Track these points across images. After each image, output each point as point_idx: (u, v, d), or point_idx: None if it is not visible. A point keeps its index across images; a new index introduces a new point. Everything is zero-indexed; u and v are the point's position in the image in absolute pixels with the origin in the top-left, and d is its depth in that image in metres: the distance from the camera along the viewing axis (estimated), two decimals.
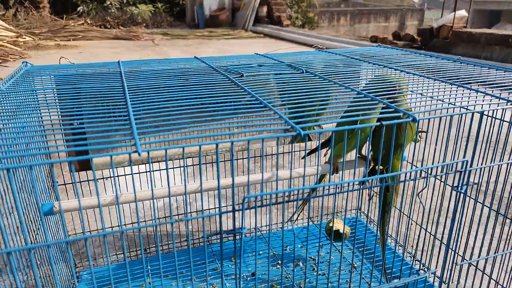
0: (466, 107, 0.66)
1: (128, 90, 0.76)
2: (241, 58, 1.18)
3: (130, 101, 0.69)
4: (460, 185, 0.68)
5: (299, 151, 1.63)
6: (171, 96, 0.72)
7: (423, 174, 0.73)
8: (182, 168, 2.05)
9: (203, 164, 1.13)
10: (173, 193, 0.95)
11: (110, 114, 0.65)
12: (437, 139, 0.92)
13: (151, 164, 0.60)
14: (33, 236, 0.94)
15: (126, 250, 1.42)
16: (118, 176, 1.29)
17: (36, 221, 1.00)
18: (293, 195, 0.61)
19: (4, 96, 0.74)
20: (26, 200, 0.87)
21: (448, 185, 0.88)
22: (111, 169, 1.22)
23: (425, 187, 0.68)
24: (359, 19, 11.67)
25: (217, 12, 9.28)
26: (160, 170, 1.39)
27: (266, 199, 0.97)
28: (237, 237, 0.54)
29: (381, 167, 1.00)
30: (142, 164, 1.25)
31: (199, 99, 0.70)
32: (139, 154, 0.49)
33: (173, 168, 1.33)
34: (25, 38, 6.45)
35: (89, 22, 8.58)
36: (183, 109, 0.64)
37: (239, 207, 0.58)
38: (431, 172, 0.70)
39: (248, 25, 8.84)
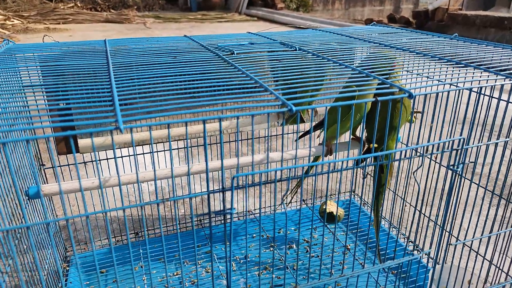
0: (455, 84, 0.64)
1: (113, 67, 0.73)
2: (233, 37, 1.14)
3: (114, 77, 0.66)
4: (456, 163, 0.66)
5: (292, 133, 1.60)
6: (157, 72, 0.69)
7: (416, 153, 0.71)
8: (170, 150, 2.02)
9: (193, 147, 1.10)
10: (161, 176, 0.93)
11: (93, 91, 0.62)
12: (432, 119, 0.90)
13: (135, 147, 0.58)
14: (18, 220, 0.91)
15: (118, 234, 1.41)
16: (105, 159, 1.25)
17: (22, 205, 0.97)
18: (288, 174, 0.59)
19: None
20: (8, 183, 0.85)
21: (443, 166, 0.86)
22: (99, 152, 1.20)
23: (421, 166, 0.66)
24: (354, 2, 11.53)
25: None
26: (144, 153, 1.36)
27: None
28: (227, 217, 0.52)
29: (375, 147, 0.98)
30: (130, 146, 1.22)
31: (186, 76, 0.67)
32: (121, 131, 0.46)
33: (163, 151, 1.30)
34: (13, 21, 6.30)
35: (79, 5, 8.39)
36: (170, 85, 0.61)
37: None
38: (426, 150, 0.68)
39: (242, 8, 8.70)
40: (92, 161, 1.25)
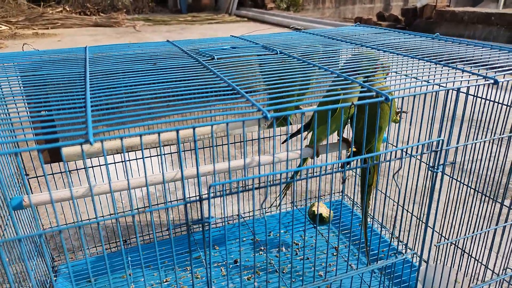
0: (439, 84, 0.64)
1: (90, 76, 0.72)
2: (215, 41, 1.14)
3: (90, 87, 0.65)
4: (436, 164, 0.66)
5: (280, 135, 1.60)
6: (135, 80, 0.69)
7: (399, 155, 0.71)
8: (156, 157, 2.01)
9: (174, 153, 1.09)
10: (133, 185, 0.92)
11: (68, 101, 0.61)
12: (416, 119, 0.90)
13: (125, 153, 0.56)
14: (0, 232, 0.90)
15: (106, 242, 1.39)
16: (91, 167, 1.25)
17: (5, 216, 0.96)
18: (266, 181, 0.59)
19: None
20: None
21: (424, 163, 0.86)
22: (87, 159, 1.18)
23: (401, 167, 0.66)
24: (344, 1, 11.57)
25: None
26: (130, 160, 1.35)
27: (243, 186, 0.93)
28: (206, 227, 0.51)
29: (354, 151, 0.98)
30: (117, 153, 1.21)
31: (162, 83, 0.66)
32: (90, 143, 0.45)
33: (150, 157, 1.30)
34: (1, 27, 6.24)
35: (68, 9, 8.34)
36: (145, 94, 0.61)
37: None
38: (407, 152, 0.68)
39: (232, 9, 8.69)
40: (77, 169, 1.24)
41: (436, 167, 0.66)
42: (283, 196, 1.44)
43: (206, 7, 9.08)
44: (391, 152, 0.63)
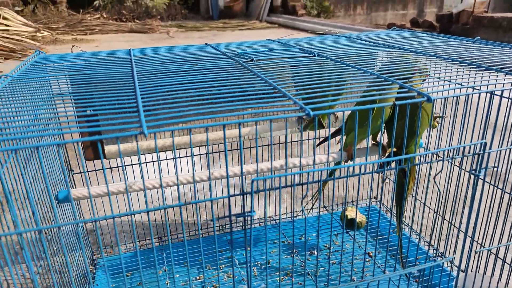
0: (478, 87, 0.63)
1: (137, 75, 0.76)
2: (252, 44, 1.16)
3: (139, 85, 0.69)
4: (478, 168, 0.65)
5: (308, 139, 1.60)
6: (179, 80, 0.72)
7: (439, 158, 0.71)
8: (191, 156, 2.04)
9: (214, 153, 1.12)
10: (183, 181, 0.95)
11: (119, 98, 0.64)
12: (454, 125, 0.89)
13: (158, 153, 0.59)
14: (49, 223, 0.95)
15: (142, 239, 1.44)
16: (130, 164, 1.29)
17: (52, 209, 1.01)
18: (307, 179, 0.60)
19: (16, 83, 0.75)
20: (40, 187, 0.89)
21: (459, 167, 0.85)
22: (126, 157, 1.23)
23: (441, 170, 0.65)
24: (376, 7, 11.42)
25: (231, 3, 9.23)
26: (167, 159, 1.38)
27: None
28: (247, 221, 0.53)
29: (395, 151, 0.97)
30: (154, 152, 1.25)
31: (207, 82, 0.69)
32: (145, 135, 0.48)
33: (186, 157, 1.33)
34: (43, 33, 6.56)
35: (105, 16, 8.66)
36: (191, 92, 0.64)
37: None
38: (447, 155, 0.67)
39: (263, 16, 8.77)
40: (117, 166, 1.29)
41: (478, 171, 0.65)
42: (315, 201, 1.44)
43: (237, 14, 9.21)
44: (432, 154, 0.63)
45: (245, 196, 0.58)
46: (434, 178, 0.64)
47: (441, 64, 0.82)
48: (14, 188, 0.68)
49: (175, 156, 0.67)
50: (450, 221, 0.98)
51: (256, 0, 9.08)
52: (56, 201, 1.00)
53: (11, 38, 5.66)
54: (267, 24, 8.24)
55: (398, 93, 0.65)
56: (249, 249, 0.59)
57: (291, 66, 0.82)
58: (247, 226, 0.57)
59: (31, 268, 0.62)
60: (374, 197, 1.60)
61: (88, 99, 0.68)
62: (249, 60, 0.89)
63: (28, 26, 6.60)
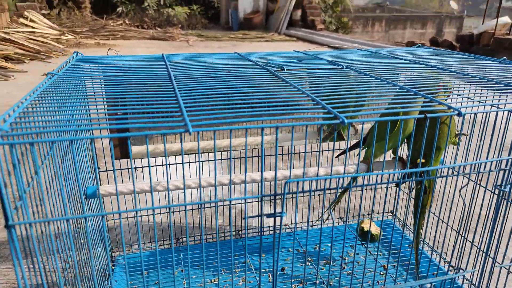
0: (503, 105, 0.64)
1: (175, 78, 0.80)
2: (280, 55, 1.20)
3: (177, 87, 0.72)
4: (504, 183, 0.67)
5: (328, 150, 1.62)
6: (215, 84, 0.75)
7: (464, 171, 0.72)
8: (214, 160, 2.07)
9: (236, 158, 1.15)
10: (204, 184, 0.98)
11: (160, 99, 0.68)
12: (482, 140, 0.90)
13: (200, 153, 0.62)
14: (76, 219, 0.99)
15: (160, 239, 1.47)
16: (154, 165, 1.33)
17: (80, 204, 1.05)
18: (337, 184, 0.62)
19: (61, 80, 0.79)
20: (71, 184, 0.92)
21: (488, 189, 0.86)
22: (152, 158, 1.27)
23: (468, 183, 0.67)
24: (394, 25, 11.44)
25: (251, 15, 9.36)
26: (190, 162, 1.41)
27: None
28: (277, 221, 0.55)
29: (418, 163, 0.99)
30: (178, 155, 1.29)
31: (244, 88, 0.72)
32: (189, 133, 0.51)
33: (208, 161, 1.36)
34: (67, 36, 6.74)
35: (127, 22, 8.86)
36: (229, 96, 0.67)
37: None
38: (473, 169, 0.69)
39: (282, 29, 8.86)
40: (142, 167, 1.32)
41: (504, 186, 0.67)
42: (333, 210, 1.45)
43: (256, 26, 9.33)
44: (459, 167, 0.64)
45: (275, 197, 0.60)
46: (460, 191, 0.66)
47: (466, 83, 0.84)
48: (50, 182, 0.71)
49: (200, 159, 0.70)
50: (468, 239, 0.99)
51: (276, 14, 9.20)
52: (85, 197, 1.03)
53: (37, 40, 5.84)
54: (285, 37, 8.32)
55: (428, 106, 0.67)
56: (276, 251, 0.61)
57: (322, 76, 0.85)
58: (276, 227, 0.60)
59: (62, 257, 0.66)
60: (390, 211, 1.61)
61: (128, 99, 0.71)
62: (279, 69, 0.92)
63: (53, 29, 6.79)
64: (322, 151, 1.55)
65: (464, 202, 0.70)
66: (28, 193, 0.59)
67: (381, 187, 1.68)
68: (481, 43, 4.98)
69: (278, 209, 1.74)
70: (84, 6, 9.42)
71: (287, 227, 1.54)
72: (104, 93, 0.72)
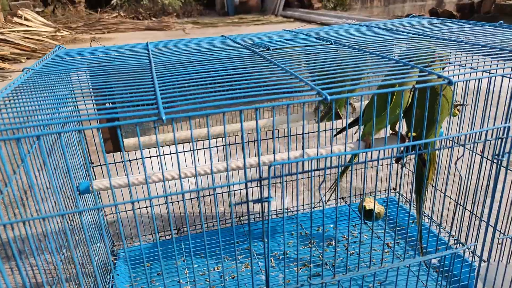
0: (493, 71, 0.61)
1: (155, 66, 0.77)
2: (268, 35, 1.16)
3: (156, 75, 0.69)
4: (501, 153, 0.64)
5: (325, 130, 1.59)
6: (195, 69, 0.72)
7: (459, 143, 0.69)
8: (208, 148, 2.05)
9: (231, 144, 1.13)
10: (201, 172, 0.96)
11: (137, 88, 0.65)
12: (476, 109, 0.87)
13: (176, 144, 0.60)
14: (70, 216, 0.97)
15: (161, 230, 1.46)
16: (148, 157, 1.31)
17: (73, 201, 1.04)
18: (324, 164, 0.60)
19: (39, 75, 0.76)
20: (62, 180, 0.91)
21: (478, 154, 0.83)
22: (144, 150, 1.25)
23: (463, 155, 0.64)
24: None
25: None
26: (184, 151, 1.39)
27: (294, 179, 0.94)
28: (265, 206, 0.53)
29: (414, 136, 0.96)
30: (172, 144, 1.27)
31: (222, 71, 0.69)
32: (163, 121, 0.49)
33: (203, 149, 1.34)
34: (62, 32, 6.69)
35: (122, 14, 8.77)
36: (208, 80, 0.64)
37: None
38: (469, 139, 0.66)
39: (278, 10, 8.72)
40: (136, 159, 1.31)
41: (501, 156, 0.64)
42: (333, 192, 1.43)
43: (252, 9, 9.19)
44: (453, 139, 0.61)
45: (261, 181, 0.58)
46: (455, 163, 0.63)
47: (462, 50, 0.80)
48: (38, 178, 0.70)
49: (193, 147, 0.68)
50: (471, 211, 0.96)
51: None
52: (78, 192, 1.02)
53: (32, 38, 5.80)
54: (282, 19, 8.19)
55: (418, 77, 0.64)
56: (266, 240, 0.59)
57: (308, 53, 0.81)
58: (264, 213, 0.58)
59: (55, 256, 0.64)
60: (393, 188, 1.58)
61: (108, 91, 0.69)
62: (265, 49, 0.88)
63: (48, 26, 6.74)
64: (320, 131, 1.52)
65: (460, 175, 0.67)
66: (9, 192, 0.58)
67: (381, 164, 1.66)
68: (482, 11, 4.86)
69: (272, 194, 1.72)
70: (78, 1, 9.33)
71: (289, 210, 1.53)
72: (80, 84, 0.69)
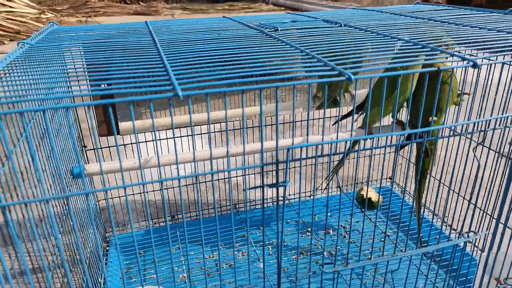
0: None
1: (160, 43, 0.73)
2: (273, 17, 1.12)
3: (163, 52, 0.66)
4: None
5: (329, 117, 1.57)
6: (204, 47, 0.68)
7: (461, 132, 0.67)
8: (207, 136, 2.01)
9: (230, 130, 1.10)
10: (198, 158, 0.92)
11: (145, 64, 0.61)
12: (481, 99, 0.85)
13: (173, 128, 0.56)
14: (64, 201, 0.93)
15: (155, 217, 1.42)
16: (144, 141, 1.26)
17: (68, 185, 0.99)
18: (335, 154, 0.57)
19: (35, 49, 0.72)
20: (54, 164, 0.86)
21: (492, 149, 0.82)
22: (139, 134, 1.21)
23: (484, 141, 0.62)
24: None
25: None
26: (181, 136, 1.36)
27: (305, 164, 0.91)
28: (280, 192, 0.50)
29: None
30: (168, 129, 1.23)
31: (234, 49, 0.66)
32: (179, 97, 0.45)
33: (200, 134, 1.31)
34: (47, 14, 6.48)
35: None
36: (221, 58, 0.60)
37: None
38: (476, 128, 0.64)
39: None
40: (131, 143, 1.26)
41: None
42: (331, 179, 1.42)
43: None
44: (462, 126, 0.60)
45: (278, 164, 0.55)
46: (474, 150, 0.61)
47: (475, 35, 0.78)
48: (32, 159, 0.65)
49: (193, 132, 0.64)
50: (476, 204, 0.95)
51: None
52: (71, 176, 0.98)
53: (16, 20, 5.60)
54: (273, 7, 8.11)
55: (437, 60, 0.62)
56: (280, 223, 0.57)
57: (320, 35, 0.78)
58: (279, 198, 0.55)
59: (57, 239, 0.60)
60: (389, 177, 1.58)
61: (111, 67, 0.64)
62: (273, 30, 0.85)
63: (32, 8, 6.52)
64: (320, 118, 1.50)
65: (478, 163, 0.66)
66: (4, 173, 0.53)
67: (379, 154, 1.65)
68: (474, 3, 4.88)
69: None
70: None
71: (286, 198, 1.51)
72: (84, 60, 0.65)
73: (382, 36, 0.75)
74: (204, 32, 0.85)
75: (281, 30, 0.84)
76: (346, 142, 0.64)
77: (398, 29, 0.82)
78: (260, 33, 0.82)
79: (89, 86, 0.60)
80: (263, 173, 0.52)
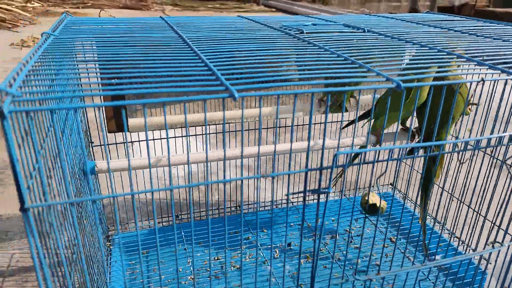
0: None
1: (191, 41, 0.71)
2: (288, 19, 1.11)
3: (198, 50, 0.64)
4: None
5: (331, 122, 1.57)
6: (239, 47, 0.67)
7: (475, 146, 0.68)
8: (222, 132, 1.99)
9: (231, 131, 1.09)
10: (212, 158, 0.91)
11: (181, 62, 0.60)
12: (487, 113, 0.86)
13: (188, 127, 0.53)
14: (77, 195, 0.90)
15: (158, 217, 1.40)
16: (152, 139, 1.23)
17: (80, 183, 0.96)
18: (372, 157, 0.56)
19: (60, 41, 0.69)
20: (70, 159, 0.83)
21: (500, 160, 0.83)
22: (139, 133, 1.18)
23: (507, 151, 0.62)
24: None
25: None
26: (196, 135, 1.33)
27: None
28: (322, 198, 0.50)
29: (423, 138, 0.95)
30: (170, 129, 1.20)
31: (270, 51, 0.64)
32: (234, 99, 0.44)
33: (215, 133, 1.28)
34: (34, 4, 6.31)
35: None
36: (262, 59, 0.59)
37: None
38: (490, 143, 0.64)
39: None
40: (139, 141, 1.23)
41: None
42: (334, 184, 1.42)
43: None
44: (476, 141, 0.60)
45: (321, 170, 0.54)
46: (505, 161, 0.62)
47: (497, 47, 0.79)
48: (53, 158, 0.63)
49: (206, 131, 0.63)
50: (486, 217, 0.97)
51: None
52: (83, 173, 0.94)
53: (1, 8, 5.43)
54: (264, 8, 8.12)
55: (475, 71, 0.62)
56: (319, 220, 0.57)
57: (349, 39, 0.78)
58: (320, 204, 0.54)
59: (77, 236, 0.58)
60: (391, 184, 1.59)
61: (143, 63, 0.62)
62: (299, 32, 0.84)
63: None
64: (328, 122, 1.50)
65: (509, 172, 0.66)
66: (38, 170, 0.51)
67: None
68: (462, 13, 4.99)
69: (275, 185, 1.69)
70: None
71: (289, 202, 1.50)
72: (110, 55, 0.63)
73: (412, 44, 0.75)
74: (228, 30, 0.84)
75: (306, 32, 0.84)
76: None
77: (426, 37, 0.83)
78: (287, 35, 0.81)
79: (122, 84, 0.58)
80: (306, 177, 0.51)
